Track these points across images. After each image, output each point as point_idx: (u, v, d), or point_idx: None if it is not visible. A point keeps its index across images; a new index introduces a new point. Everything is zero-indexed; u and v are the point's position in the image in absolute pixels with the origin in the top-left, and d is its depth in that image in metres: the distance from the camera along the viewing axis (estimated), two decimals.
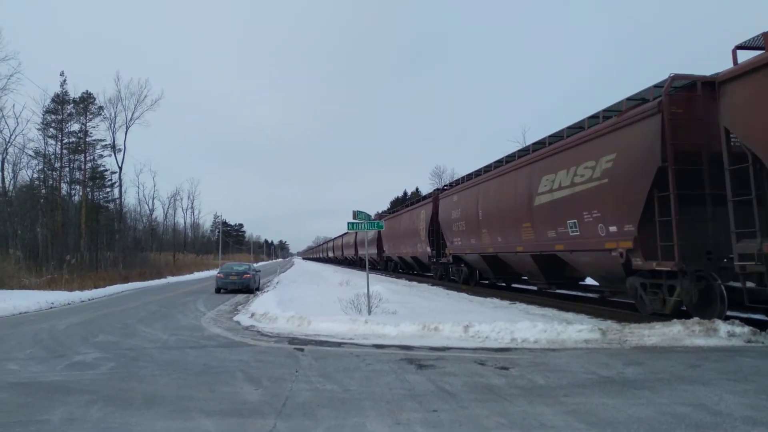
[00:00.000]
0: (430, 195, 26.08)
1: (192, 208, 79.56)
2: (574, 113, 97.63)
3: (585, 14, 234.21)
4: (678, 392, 5.33)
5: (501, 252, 16.14)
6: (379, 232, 34.09)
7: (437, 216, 22.88)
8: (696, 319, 8.71)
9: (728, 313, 9.05)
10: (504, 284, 19.46)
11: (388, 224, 33.29)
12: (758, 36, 8.21)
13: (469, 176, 19.75)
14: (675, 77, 9.34)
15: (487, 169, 17.79)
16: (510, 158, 16.05)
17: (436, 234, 23.25)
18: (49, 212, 34.65)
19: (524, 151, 15.41)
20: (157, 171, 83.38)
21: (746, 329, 8.19)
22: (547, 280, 14.44)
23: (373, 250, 38.03)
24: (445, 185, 24.50)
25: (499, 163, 16.92)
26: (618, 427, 4.33)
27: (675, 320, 8.79)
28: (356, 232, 35.08)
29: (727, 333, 8.16)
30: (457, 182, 21.36)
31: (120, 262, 36.89)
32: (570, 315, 11.50)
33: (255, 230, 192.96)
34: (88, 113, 38.84)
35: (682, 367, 6.48)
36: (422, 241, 25.37)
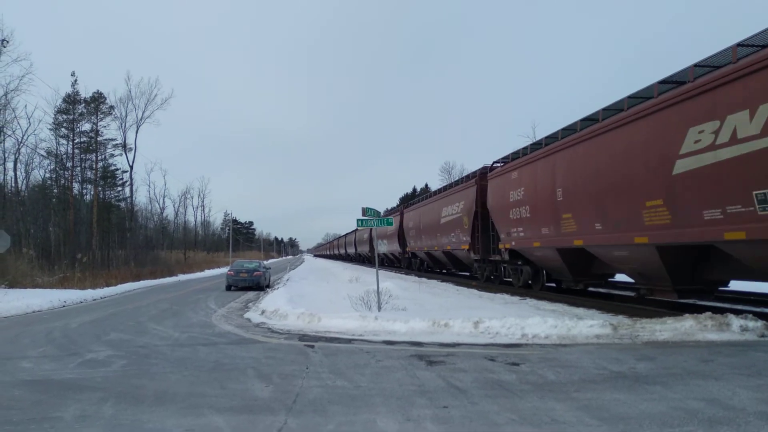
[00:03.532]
0: (471, 176, 21.01)
1: (202, 206, 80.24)
2: (583, 108, 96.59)
3: (583, 11, 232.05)
4: (690, 387, 5.27)
5: (598, 244, 11.64)
6: (400, 226, 32.01)
7: (484, 201, 18.62)
8: (708, 313, 8.63)
9: (741, 307, 8.28)
10: (581, 288, 14.15)
11: (412, 215, 30.41)
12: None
13: (534, 146, 14.85)
14: None
15: (570, 129, 12.76)
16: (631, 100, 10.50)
17: (481, 224, 18.98)
18: (61, 211, 35.08)
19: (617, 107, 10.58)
20: (167, 170, 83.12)
21: (759, 324, 8.09)
22: (674, 284, 10.05)
23: (393, 246, 34.84)
24: (494, 162, 18.78)
25: (587, 122, 11.86)
26: (630, 422, 4.29)
27: (687, 315, 8.72)
28: (371, 228, 33.20)
29: (740, 327, 8.06)
30: (516, 155, 16.27)
31: (131, 260, 37.28)
32: (581, 310, 11.43)
33: (265, 228, 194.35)
34: (99, 113, 39.30)
35: (695, 362, 6.42)
36: (461, 234, 20.83)
